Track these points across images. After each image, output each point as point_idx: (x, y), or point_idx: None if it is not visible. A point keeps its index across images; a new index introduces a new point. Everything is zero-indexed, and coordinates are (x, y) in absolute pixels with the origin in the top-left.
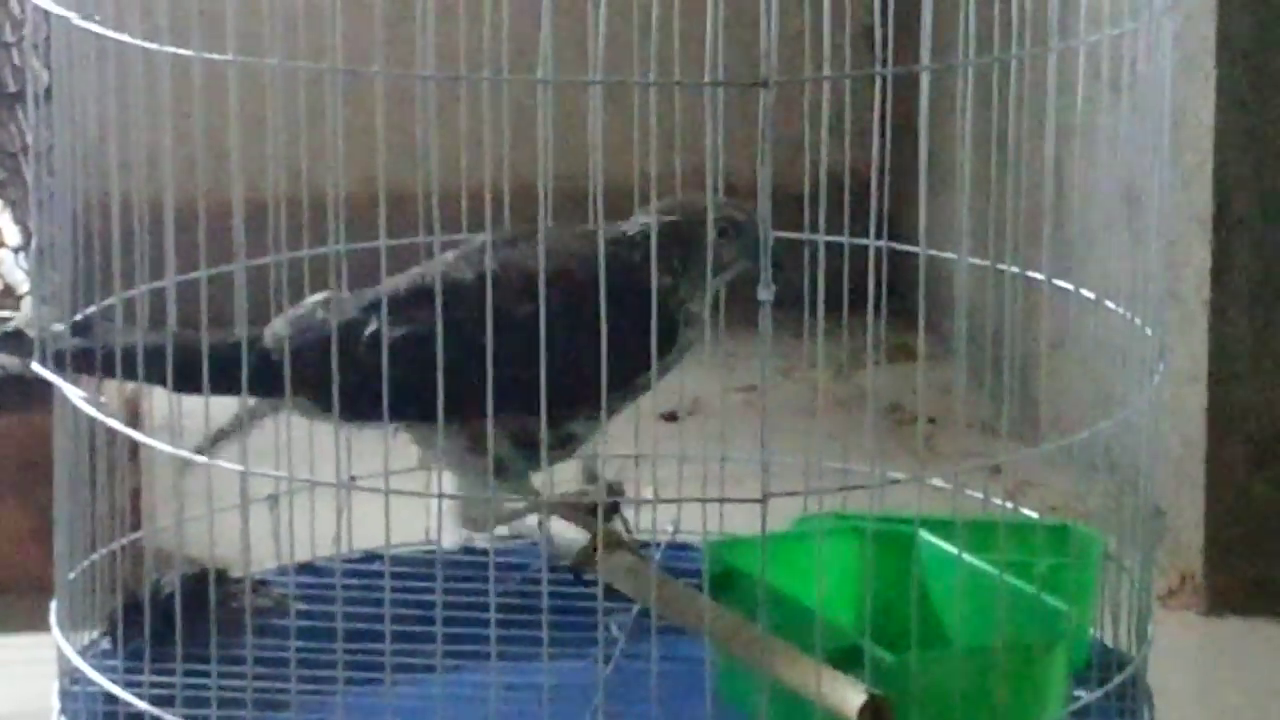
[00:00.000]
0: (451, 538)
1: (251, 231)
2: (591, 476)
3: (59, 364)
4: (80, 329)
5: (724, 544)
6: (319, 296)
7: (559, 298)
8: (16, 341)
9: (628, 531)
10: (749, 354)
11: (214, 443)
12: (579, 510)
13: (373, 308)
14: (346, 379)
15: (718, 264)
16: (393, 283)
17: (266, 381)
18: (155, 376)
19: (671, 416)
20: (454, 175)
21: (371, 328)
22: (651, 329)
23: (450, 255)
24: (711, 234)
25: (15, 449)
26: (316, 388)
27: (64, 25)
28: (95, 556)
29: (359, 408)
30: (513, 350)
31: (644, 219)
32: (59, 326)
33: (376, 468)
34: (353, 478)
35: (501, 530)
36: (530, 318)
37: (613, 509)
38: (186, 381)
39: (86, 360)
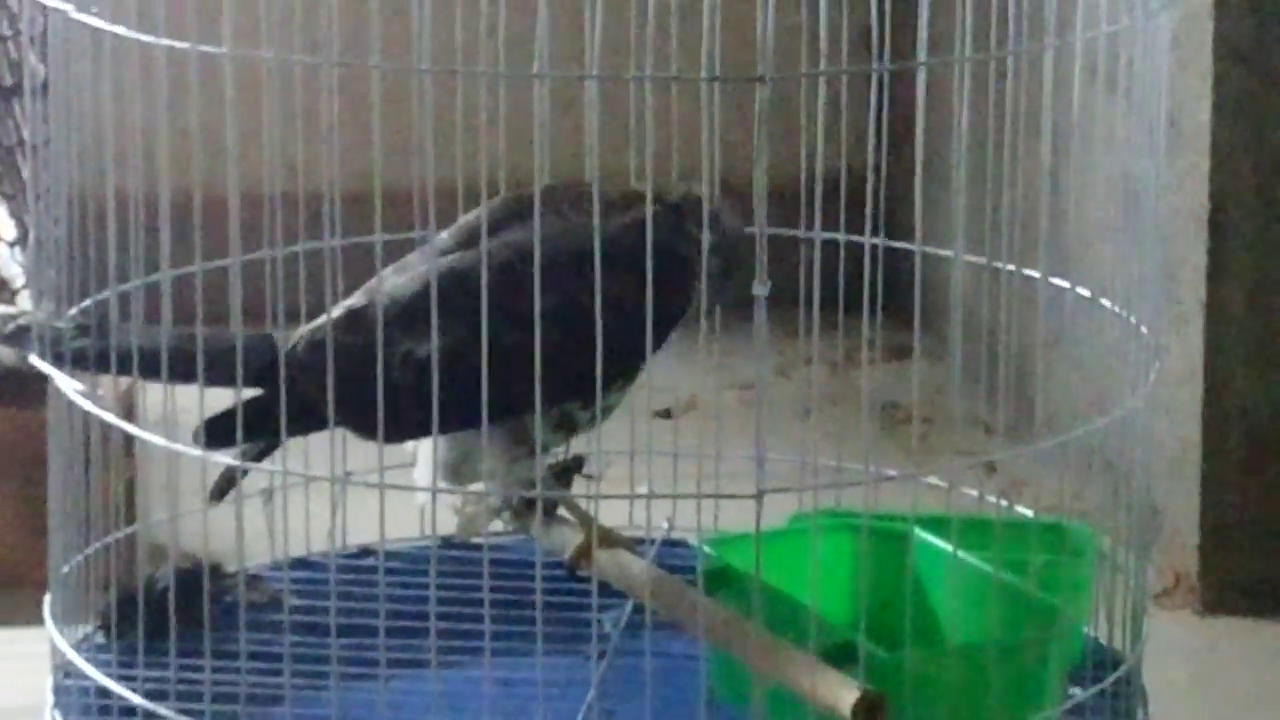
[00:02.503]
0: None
1: (247, 226)
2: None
3: (59, 359)
4: (93, 327)
5: (718, 540)
6: (338, 313)
7: (585, 277)
8: (24, 336)
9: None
10: (744, 352)
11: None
12: (574, 506)
13: (396, 323)
14: (389, 406)
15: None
16: (401, 285)
17: (303, 419)
18: (178, 374)
19: (666, 414)
20: (450, 170)
21: (403, 348)
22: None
23: (445, 235)
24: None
25: (10, 443)
26: (358, 418)
27: (61, 19)
28: (89, 551)
29: (406, 430)
30: (550, 340)
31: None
32: (61, 323)
33: (371, 462)
34: (348, 472)
35: (497, 525)
36: (559, 305)
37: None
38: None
39: (100, 358)
